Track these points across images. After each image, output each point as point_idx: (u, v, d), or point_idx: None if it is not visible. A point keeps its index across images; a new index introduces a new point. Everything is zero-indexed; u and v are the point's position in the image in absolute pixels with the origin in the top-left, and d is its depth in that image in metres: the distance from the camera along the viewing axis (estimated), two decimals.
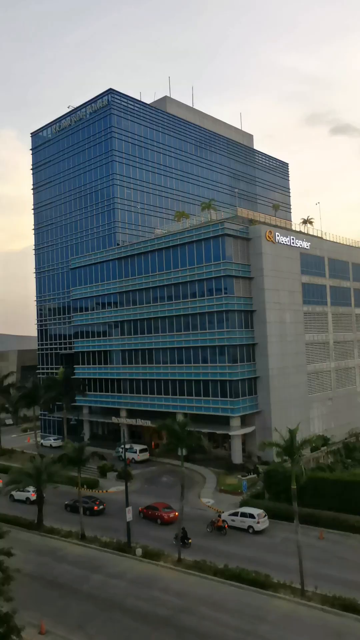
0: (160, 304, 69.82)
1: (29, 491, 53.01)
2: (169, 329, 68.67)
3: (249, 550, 39.59)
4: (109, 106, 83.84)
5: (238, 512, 44.44)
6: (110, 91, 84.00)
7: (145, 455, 68.63)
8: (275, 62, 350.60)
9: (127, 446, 62.75)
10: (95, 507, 49.42)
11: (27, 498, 53.82)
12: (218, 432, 63.52)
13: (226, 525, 43.46)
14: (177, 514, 43.85)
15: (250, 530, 43.06)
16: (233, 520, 43.95)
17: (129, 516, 40.56)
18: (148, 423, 69.51)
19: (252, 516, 43.40)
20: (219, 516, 44.79)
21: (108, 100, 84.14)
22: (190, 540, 40.21)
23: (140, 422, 71.40)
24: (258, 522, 42.98)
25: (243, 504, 47.43)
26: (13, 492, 53.18)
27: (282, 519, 44.33)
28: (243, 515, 43.88)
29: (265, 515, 43.88)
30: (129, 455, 65.26)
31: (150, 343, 71.13)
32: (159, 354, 70.42)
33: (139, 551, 38.90)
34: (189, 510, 46.01)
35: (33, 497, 52.27)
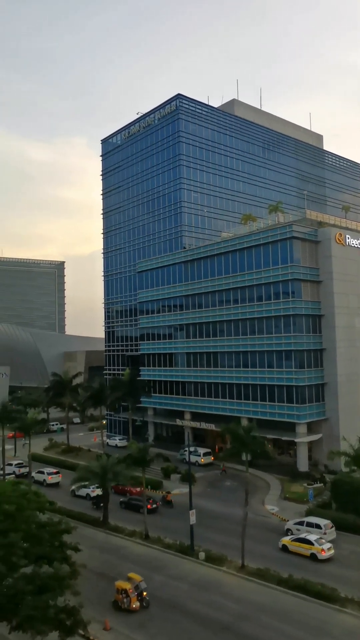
0: (225, 307, 69.47)
1: (89, 487, 54.72)
2: (235, 332, 68.18)
3: (314, 562, 38.40)
4: (177, 111, 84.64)
5: (304, 522, 43.24)
6: (178, 96, 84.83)
7: (209, 459, 68.42)
8: (340, 60, 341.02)
9: (191, 449, 62.76)
10: (149, 506, 49.98)
11: (88, 494, 55.81)
12: (283, 438, 62.26)
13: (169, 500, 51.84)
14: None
15: None
16: (298, 530, 42.83)
17: (193, 519, 40.50)
18: (212, 426, 69.27)
19: (318, 526, 42.07)
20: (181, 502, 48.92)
21: (176, 105, 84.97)
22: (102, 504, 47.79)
23: (204, 425, 71.28)
24: (325, 533, 41.61)
25: (309, 513, 46.16)
26: (74, 487, 55.34)
27: (349, 531, 42.79)
28: (309, 525, 42.64)
29: (332, 527, 42.42)
30: (193, 458, 65.29)
31: (215, 346, 70.92)
32: (224, 357, 70.07)
33: (201, 555, 38.76)
34: (252, 516, 45.32)
35: (94, 493, 54.65)
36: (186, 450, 58.62)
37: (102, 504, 50.50)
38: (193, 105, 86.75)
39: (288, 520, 45.43)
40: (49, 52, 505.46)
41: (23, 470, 67.92)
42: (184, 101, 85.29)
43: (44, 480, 62.84)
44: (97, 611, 30.74)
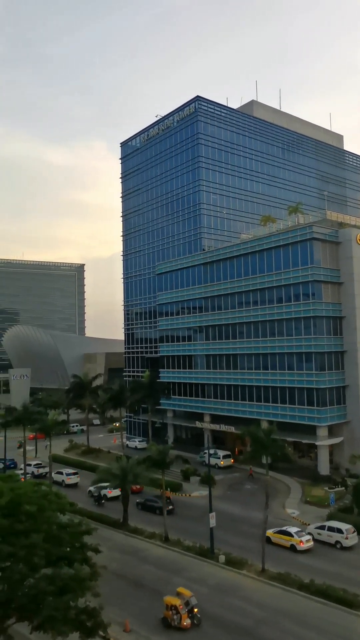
0: (245, 309, 69.18)
1: (105, 488, 55.65)
2: (254, 334, 67.84)
3: (335, 566, 37.95)
4: (196, 113, 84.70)
5: (325, 526, 42.76)
6: (197, 98, 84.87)
7: (229, 461, 68.14)
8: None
9: (211, 451, 62.61)
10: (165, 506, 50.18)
11: (105, 495, 56.36)
12: (304, 441, 61.70)
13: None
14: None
15: (338, 546, 41.24)
16: (319, 534, 42.35)
17: (212, 522, 40.32)
18: (232, 429, 68.99)
19: (340, 531, 41.56)
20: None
21: (195, 107, 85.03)
22: (103, 501, 51.65)
23: (223, 427, 71.03)
24: (346, 538, 41.08)
25: (330, 517, 45.62)
26: (91, 488, 56.88)
27: None
28: (330, 529, 42.15)
29: (354, 531, 41.84)
30: (212, 460, 65.07)
31: (235, 348, 70.64)
32: (243, 359, 69.76)
33: (221, 558, 38.56)
34: (272, 520, 44.98)
35: (110, 494, 55.50)
36: (206, 453, 58.47)
37: (102, 501, 53.82)
38: (212, 107, 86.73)
39: (309, 525, 44.96)
40: (69, 57, 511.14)
41: (41, 470, 68.85)
42: (202, 103, 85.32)
43: (63, 480, 63.60)
44: (117, 613, 30.78)
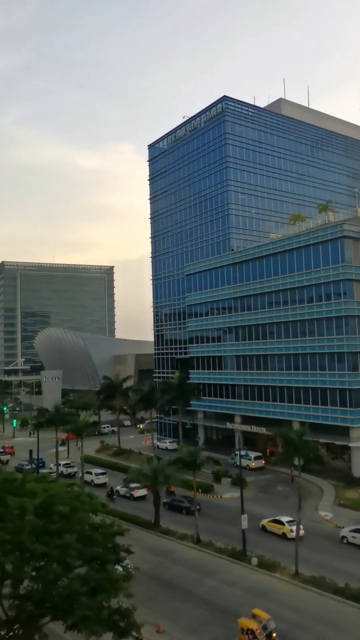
0: (275, 309, 68.51)
1: (132, 488, 56.96)
2: (285, 334, 67.10)
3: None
4: (223, 113, 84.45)
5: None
6: (224, 98, 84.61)
7: (260, 463, 67.58)
8: None
9: (242, 453, 62.22)
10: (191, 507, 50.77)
11: (131, 494, 57.62)
12: (337, 442, 60.65)
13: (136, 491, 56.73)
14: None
15: None
16: (354, 537, 41.57)
17: (245, 524, 40.03)
18: (263, 430, 68.40)
19: None
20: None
21: (222, 107, 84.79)
22: (115, 497, 54.09)
23: (254, 428, 70.48)
24: None
25: None
26: (118, 488, 58.59)
27: None
28: None
29: None
30: (244, 462, 64.62)
31: (265, 349, 70.03)
32: (274, 360, 69.09)
33: (254, 560, 38.22)
34: (305, 522, 44.38)
35: (136, 493, 57.06)
36: (237, 454, 58.11)
37: (114, 496, 55.77)
38: (239, 106, 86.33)
39: (343, 527, 44.19)
40: (95, 61, 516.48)
41: (70, 470, 70.13)
42: (229, 103, 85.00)
43: (92, 480, 64.59)
44: (150, 614, 30.80)
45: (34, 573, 23.14)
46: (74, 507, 25.68)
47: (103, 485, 63.80)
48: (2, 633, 23.71)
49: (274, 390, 68.54)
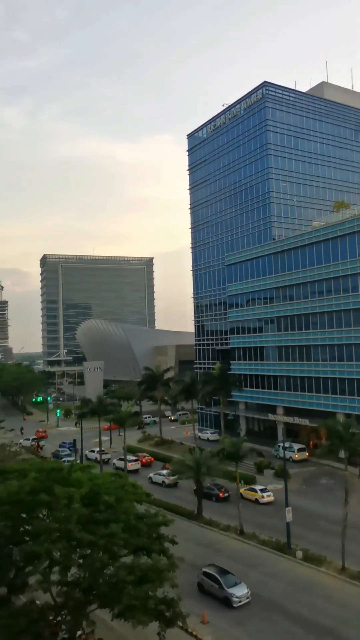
0: (318, 298, 67.05)
1: (164, 475, 59.59)
2: (328, 324, 65.62)
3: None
4: (264, 99, 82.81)
5: None
6: (264, 84, 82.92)
7: (304, 455, 66.59)
8: None
9: (285, 444, 61.44)
10: (221, 494, 53.49)
11: (163, 481, 59.60)
12: None
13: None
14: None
15: None
16: None
17: (289, 516, 39.54)
18: (306, 422, 67.31)
19: None
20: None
21: (262, 93, 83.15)
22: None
23: (297, 420, 69.44)
24: None
25: None
26: (151, 475, 61.58)
27: None
28: None
29: None
30: (287, 454, 63.85)
31: (308, 339, 68.72)
32: (317, 350, 67.73)
33: (299, 554, 37.72)
34: (352, 517, 43.40)
35: (168, 480, 58.98)
36: (280, 446, 57.48)
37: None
38: (280, 91, 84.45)
39: None
40: (133, 53, 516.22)
41: (104, 457, 71.89)
42: (270, 88, 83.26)
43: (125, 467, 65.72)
44: (194, 604, 30.84)
45: (81, 561, 23.48)
46: (119, 497, 25.88)
47: (135, 471, 65.50)
48: (51, 618, 24.20)
49: (317, 381, 67.26)
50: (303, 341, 69.54)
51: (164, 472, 60.48)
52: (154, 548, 25.41)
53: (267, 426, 79.00)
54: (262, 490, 52.89)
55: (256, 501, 51.77)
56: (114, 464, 68.68)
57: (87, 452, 73.63)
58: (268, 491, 52.87)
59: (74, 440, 73.91)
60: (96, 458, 70.31)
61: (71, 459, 65.12)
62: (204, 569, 34.14)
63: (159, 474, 60.85)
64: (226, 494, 53.75)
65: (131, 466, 65.91)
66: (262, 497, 51.86)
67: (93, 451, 73.52)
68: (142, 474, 63.79)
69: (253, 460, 61.95)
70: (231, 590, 31.81)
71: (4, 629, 22.97)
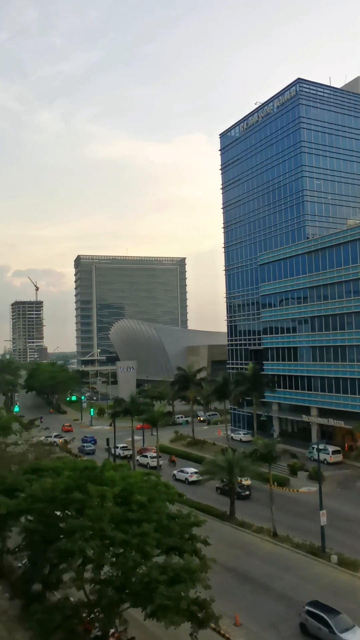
0: (353, 298, 65.75)
1: (187, 473, 60.95)
2: None
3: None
4: (297, 96, 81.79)
5: None
6: (298, 81, 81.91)
7: (338, 457, 65.41)
8: None
9: (320, 446, 60.52)
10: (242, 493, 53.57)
11: (186, 479, 60.48)
12: None
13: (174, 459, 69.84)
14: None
15: None
16: None
17: (323, 520, 38.90)
18: (341, 423, 66.14)
19: None
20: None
21: (296, 90, 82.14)
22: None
23: (332, 422, 68.29)
24: None
25: None
26: (175, 472, 62.56)
27: None
28: None
29: None
30: (321, 456, 62.83)
31: (343, 340, 67.44)
32: (352, 350, 66.38)
33: (334, 558, 37.07)
34: None
35: (192, 478, 59.92)
36: (314, 447, 56.63)
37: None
38: (314, 88, 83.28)
39: None
40: (165, 53, 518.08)
41: (127, 452, 74.57)
42: (304, 85, 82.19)
43: (147, 463, 67.94)
44: (226, 606, 30.64)
45: (113, 559, 23.61)
46: (151, 497, 25.93)
47: (158, 467, 65.38)
48: (84, 615, 24.43)
49: (353, 382, 65.93)
50: (338, 341, 68.32)
51: (189, 469, 61.76)
52: (186, 548, 25.35)
53: (301, 427, 77.96)
54: (191, 475, 59.71)
55: (186, 481, 58.63)
56: (137, 460, 69.10)
57: (138, 457, 72.61)
58: (194, 473, 59.00)
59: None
60: (119, 454, 72.46)
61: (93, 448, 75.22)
62: (307, 607, 28.87)
63: (183, 472, 61.91)
64: (247, 492, 53.79)
65: (153, 462, 67.22)
66: (192, 476, 59.03)
67: (117, 447, 75.10)
68: (166, 471, 63.68)
69: (286, 462, 61.23)
70: (345, 636, 26.42)
71: (39, 624, 23.34)
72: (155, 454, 68.94)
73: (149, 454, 70.85)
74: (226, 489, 52.97)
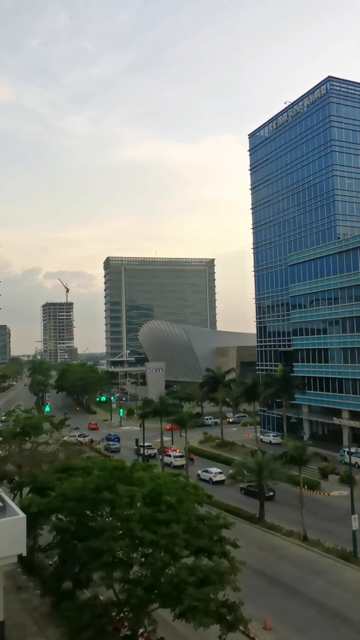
0: None
1: (212, 473, 61.21)
2: None
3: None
4: (328, 94, 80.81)
5: None
6: (329, 79, 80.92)
7: None
8: None
9: (352, 450, 59.50)
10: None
11: (210, 479, 60.52)
12: None
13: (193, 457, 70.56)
14: None
15: None
16: None
17: (355, 524, 38.18)
18: None
19: None
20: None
21: (326, 88, 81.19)
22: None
23: None
24: None
25: None
26: (199, 472, 62.71)
27: None
28: None
29: None
30: (353, 459, 61.79)
31: None
32: None
33: None
34: None
35: (215, 478, 60.09)
36: (346, 451, 55.71)
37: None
38: (345, 86, 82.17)
39: None
40: (193, 55, 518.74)
41: (150, 451, 75.60)
42: (335, 83, 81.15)
43: (171, 462, 68.04)
44: (256, 609, 30.37)
45: (142, 560, 23.69)
46: (180, 498, 25.90)
47: (181, 467, 65.57)
48: (114, 614, 24.59)
49: None
50: None
51: (213, 469, 62.15)
52: (215, 550, 25.21)
53: (332, 430, 76.83)
54: (216, 475, 60.04)
55: (210, 481, 58.79)
56: (160, 458, 69.08)
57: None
58: (218, 473, 60.12)
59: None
60: (142, 452, 73.01)
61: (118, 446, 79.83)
62: None
63: (207, 471, 62.19)
64: (271, 493, 52.95)
65: (177, 462, 67.68)
66: (216, 476, 59.72)
67: (141, 446, 75.73)
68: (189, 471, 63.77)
69: (317, 465, 60.40)
70: None
71: (69, 621, 23.58)
72: (178, 454, 69.15)
73: (172, 453, 71.47)
74: (250, 489, 52.62)
